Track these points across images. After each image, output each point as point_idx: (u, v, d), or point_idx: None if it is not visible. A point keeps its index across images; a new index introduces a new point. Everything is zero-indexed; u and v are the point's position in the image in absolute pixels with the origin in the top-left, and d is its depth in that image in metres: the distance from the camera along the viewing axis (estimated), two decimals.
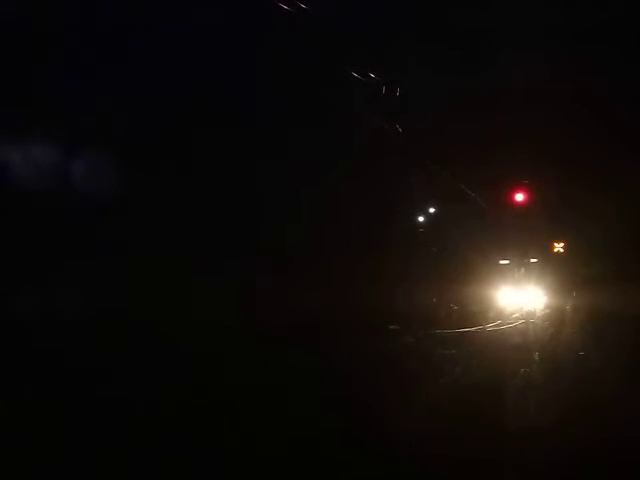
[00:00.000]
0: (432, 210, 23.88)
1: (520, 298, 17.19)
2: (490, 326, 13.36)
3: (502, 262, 20.83)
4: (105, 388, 7.36)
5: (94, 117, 12.40)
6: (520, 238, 19.98)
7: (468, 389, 8.49)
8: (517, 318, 14.23)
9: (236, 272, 12.97)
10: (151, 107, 12.90)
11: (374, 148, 15.04)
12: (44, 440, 5.94)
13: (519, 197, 18.12)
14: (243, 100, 14.17)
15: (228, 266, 13.16)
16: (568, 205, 18.16)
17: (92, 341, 9.34)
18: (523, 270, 20.02)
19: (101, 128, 12.09)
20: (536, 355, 10.52)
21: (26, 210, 11.56)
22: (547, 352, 10.74)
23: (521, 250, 20.90)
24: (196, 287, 12.22)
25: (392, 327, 12.90)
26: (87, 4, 11.88)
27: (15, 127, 11.77)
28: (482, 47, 15.53)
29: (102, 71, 12.24)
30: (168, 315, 10.92)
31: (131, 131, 12.72)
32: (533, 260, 20.71)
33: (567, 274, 17.16)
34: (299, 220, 15.41)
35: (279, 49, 12.84)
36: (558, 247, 20.00)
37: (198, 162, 13.86)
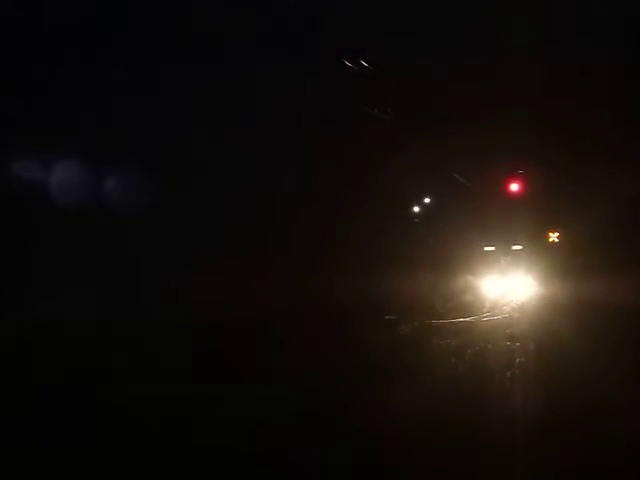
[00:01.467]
0: (427, 200, 23.86)
1: (515, 288, 17.14)
2: (485, 316, 13.31)
3: (494, 250, 20.80)
4: None
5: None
6: (515, 226, 19.95)
7: (464, 378, 8.54)
8: (513, 308, 14.18)
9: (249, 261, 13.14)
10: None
11: (370, 137, 15.00)
12: None
13: (514, 187, 18.11)
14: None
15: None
16: (565, 192, 18.11)
17: None
18: (518, 259, 19.99)
19: None
20: (532, 345, 10.50)
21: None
22: (543, 342, 10.72)
23: (515, 239, 20.88)
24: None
25: (388, 317, 12.87)
26: None
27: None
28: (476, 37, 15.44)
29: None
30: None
31: None
32: (528, 248, 20.69)
33: (564, 263, 17.14)
34: (292, 211, 15.39)
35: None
36: (553, 237, 20.00)
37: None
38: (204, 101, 13.76)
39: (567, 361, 9.08)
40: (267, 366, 8.84)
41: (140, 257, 12.96)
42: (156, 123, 13.21)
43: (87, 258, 12.32)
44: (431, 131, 16.65)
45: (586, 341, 9.99)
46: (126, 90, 12.93)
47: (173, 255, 13.40)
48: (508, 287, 17.36)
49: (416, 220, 23.38)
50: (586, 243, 17.28)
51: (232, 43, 13.22)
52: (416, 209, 24.18)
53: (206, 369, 8.74)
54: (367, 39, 13.29)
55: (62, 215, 12.32)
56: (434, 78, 15.84)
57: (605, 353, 8.98)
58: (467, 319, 12.76)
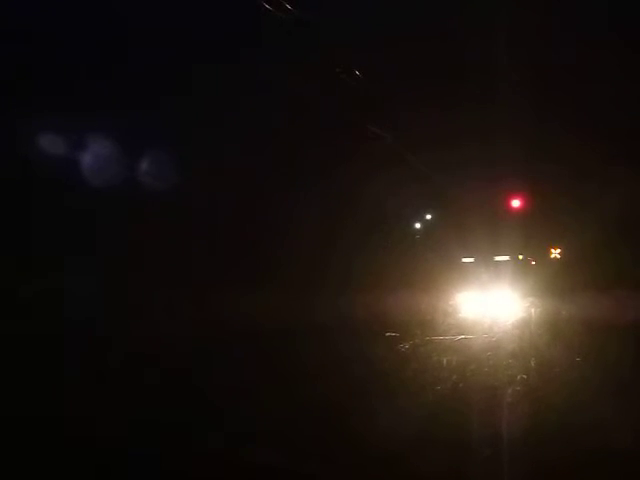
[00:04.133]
0: (429, 217, 23.90)
1: (515, 304, 17.12)
2: (485, 333, 13.30)
3: (493, 265, 20.81)
4: None
5: None
6: (516, 242, 19.99)
7: (465, 395, 8.55)
8: (513, 325, 14.16)
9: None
10: None
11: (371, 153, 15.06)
12: None
13: (515, 203, 18.16)
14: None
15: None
16: (565, 207, 18.08)
17: None
18: (519, 275, 19.99)
19: None
20: (532, 362, 10.49)
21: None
22: (543, 359, 10.70)
23: (516, 254, 20.93)
24: None
25: (389, 334, 12.87)
26: None
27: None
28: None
29: None
30: None
31: None
32: (532, 263, 20.75)
33: (564, 279, 17.11)
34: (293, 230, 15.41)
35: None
36: (555, 253, 20.01)
37: None
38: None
39: (570, 380, 9.07)
40: (263, 382, 8.77)
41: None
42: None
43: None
44: (430, 146, 16.72)
45: (591, 359, 9.99)
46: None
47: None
48: (508, 303, 17.33)
49: (417, 237, 23.40)
50: (586, 258, 17.26)
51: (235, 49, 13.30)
52: (417, 225, 24.20)
53: None
54: (365, 51, 13.36)
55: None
56: (432, 93, 15.91)
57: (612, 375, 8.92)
58: (467, 336, 12.75)
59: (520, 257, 21.53)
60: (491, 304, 17.12)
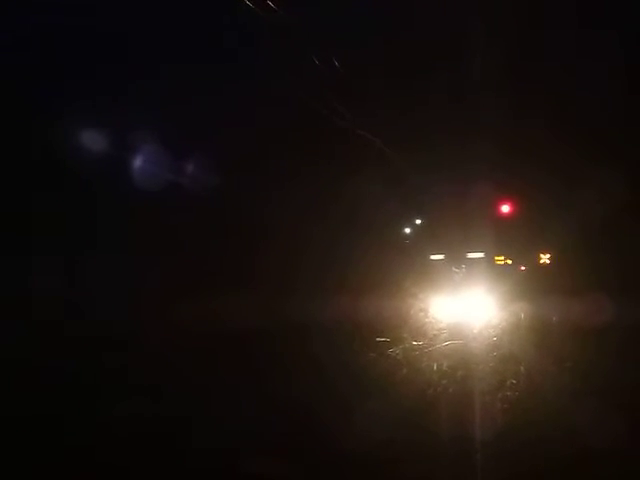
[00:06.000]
0: (418, 221, 23.90)
1: (504, 309, 17.10)
2: (475, 339, 13.31)
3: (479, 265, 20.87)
4: None
5: None
6: (504, 247, 20.06)
7: (455, 399, 8.55)
8: (503, 329, 14.13)
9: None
10: None
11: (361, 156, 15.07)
12: None
13: (505, 208, 18.21)
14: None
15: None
16: (555, 210, 18.06)
17: None
18: (508, 281, 20.00)
19: None
20: (522, 367, 10.49)
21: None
22: (534, 363, 10.71)
23: (505, 259, 21.00)
24: None
25: (379, 339, 12.85)
26: None
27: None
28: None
29: None
30: None
31: None
32: (521, 268, 20.81)
33: (554, 284, 17.13)
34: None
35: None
36: (544, 258, 20.05)
37: None
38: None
39: (560, 385, 9.08)
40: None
41: None
42: None
43: None
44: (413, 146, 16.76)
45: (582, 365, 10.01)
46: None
47: None
48: (495, 307, 17.34)
49: (407, 241, 23.41)
50: (578, 262, 17.28)
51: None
52: (407, 230, 24.19)
53: None
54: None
55: None
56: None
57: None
58: (456, 341, 12.73)
59: (510, 262, 21.59)
60: (479, 309, 17.12)
